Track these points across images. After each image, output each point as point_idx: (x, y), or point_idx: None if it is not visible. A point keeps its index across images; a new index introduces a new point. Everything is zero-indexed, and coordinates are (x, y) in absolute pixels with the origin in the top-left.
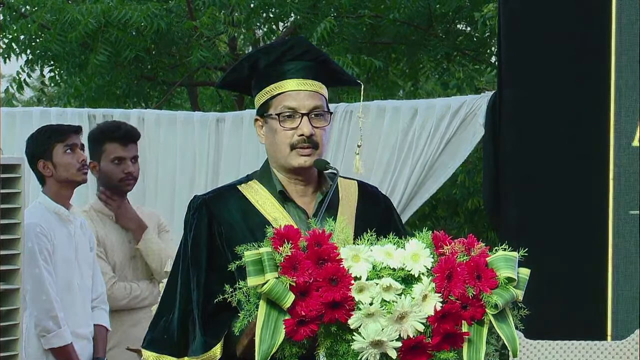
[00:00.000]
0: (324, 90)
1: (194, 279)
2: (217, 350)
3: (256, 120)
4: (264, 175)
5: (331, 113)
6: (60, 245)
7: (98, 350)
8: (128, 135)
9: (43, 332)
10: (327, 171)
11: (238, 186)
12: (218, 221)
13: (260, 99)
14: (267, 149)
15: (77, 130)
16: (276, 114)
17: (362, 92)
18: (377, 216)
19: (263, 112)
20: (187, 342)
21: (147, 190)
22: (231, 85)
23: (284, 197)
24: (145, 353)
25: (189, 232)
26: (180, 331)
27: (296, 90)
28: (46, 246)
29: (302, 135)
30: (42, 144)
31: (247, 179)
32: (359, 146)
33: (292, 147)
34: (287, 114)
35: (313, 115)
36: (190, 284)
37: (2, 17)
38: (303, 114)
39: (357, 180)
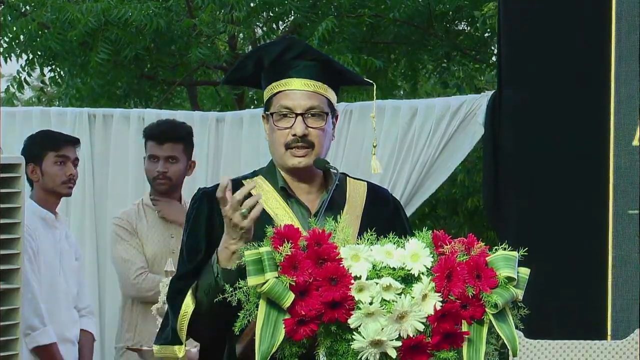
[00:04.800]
0: (327, 92)
1: (190, 268)
2: (181, 349)
3: (263, 117)
4: (269, 171)
5: (327, 114)
6: (44, 249)
7: (84, 355)
8: (163, 135)
9: (28, 329)
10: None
11: (243, 181)
12: (219, 213)
13: (265, 95)
14: (269, 145)
15: (75, 142)
16: (271, 113)
17: (374, 92)
18: (384, 218)
19: (266, 108)
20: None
21: (146, 189)
22: (237, 82)
23: (286, 194)
24: (154, 348)
25: (188, 223)
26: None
27: (294, 90)
28: (31, 245)
29: (295, 135)
30: (35, 149)
31: (253, 174)
32: (374, 146)
33: (287, 146)
34: (283, 113)
35: (309, 115)
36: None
37: (2, 17)
38: (297, 114)
39: (367, 181)
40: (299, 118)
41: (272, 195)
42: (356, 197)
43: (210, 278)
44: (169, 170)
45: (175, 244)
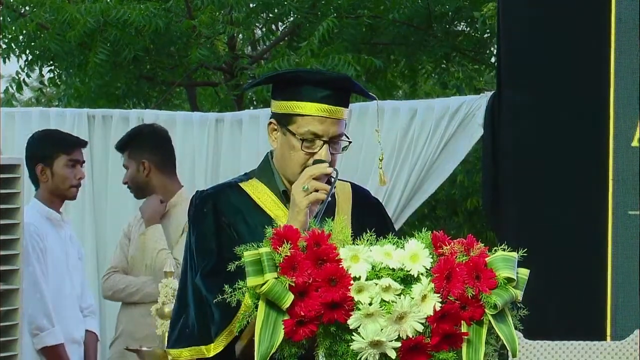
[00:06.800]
0: (346, 113)
1: (206, 266)
2: (242, 309)
3: (270, 123)
4: (263, 174)
5: (350, 142)
6: (52, 249)
7: (89, 356)
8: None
9: (36, 330)
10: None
11: (239, 183)
12: (224, 215)
13: (282, 107)
14: (277, 155)
15: (84, 145)
16: (300, 137)
17: (377, 108)
18: (370, 218)
19: (283, 122)
20: (209, 330)
21: None
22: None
23: (286, 197)
24: (174, 352)
25: (194, 226)
26: (199, 321)
27: (323, 117)
28: (39, 245)
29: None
30: (45, 149)
31: (247, 177)
32: (381, 160)
33: (305, 167)
34: (310, 139)
35: (333, 142)
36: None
37: (1, 18)
38: (325, 141)
39: (350, 182)
40: (325, 145)
41: (270, 198)
42: (344, 198)
43: None
44: (126, 179)
45: (147, 243)
